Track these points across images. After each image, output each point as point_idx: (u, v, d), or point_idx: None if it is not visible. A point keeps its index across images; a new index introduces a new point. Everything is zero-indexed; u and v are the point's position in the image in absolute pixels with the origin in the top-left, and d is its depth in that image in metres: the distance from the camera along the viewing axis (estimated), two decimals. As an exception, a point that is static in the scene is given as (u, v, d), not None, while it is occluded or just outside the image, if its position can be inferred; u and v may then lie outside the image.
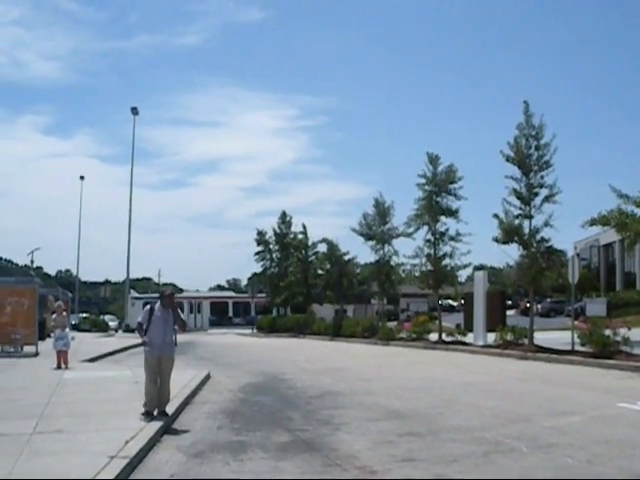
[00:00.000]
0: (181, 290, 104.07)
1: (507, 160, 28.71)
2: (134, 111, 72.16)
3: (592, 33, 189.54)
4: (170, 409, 13.76)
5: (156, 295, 14.82)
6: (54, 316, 25.16)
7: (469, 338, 33.94)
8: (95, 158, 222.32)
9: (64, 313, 25.22)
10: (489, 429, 11.72)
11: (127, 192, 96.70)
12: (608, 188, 21.87)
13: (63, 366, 23.46)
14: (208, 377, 21.44)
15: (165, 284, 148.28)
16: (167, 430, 12.37)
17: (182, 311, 13.54)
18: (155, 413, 13.10)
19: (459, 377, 21.07)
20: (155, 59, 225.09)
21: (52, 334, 25.46)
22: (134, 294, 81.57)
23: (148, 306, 13.77)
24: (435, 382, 19.83)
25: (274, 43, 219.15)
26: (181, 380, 18.78)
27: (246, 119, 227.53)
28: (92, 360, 29.31)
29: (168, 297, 13.84)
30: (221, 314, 69.62)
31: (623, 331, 23.41)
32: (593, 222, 22.79)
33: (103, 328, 71.59)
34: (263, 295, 67.54)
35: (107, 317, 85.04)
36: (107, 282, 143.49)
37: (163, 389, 13.49)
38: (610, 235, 50.48)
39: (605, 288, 77.47)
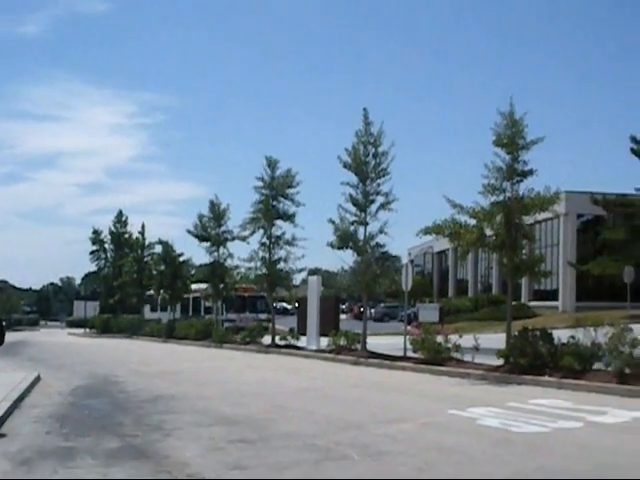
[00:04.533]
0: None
1: (344, 166, 29.03)
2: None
3: (426, 38, 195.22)
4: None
5: None
6: None
7: (302, 342, 34.32)
8: None
9: None
10: (321, 436, 11.89)
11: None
12: (442, 198, 22.50)
13: None
14: (38, 379, 21.06)
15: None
16: (-8, 436, 12.03)
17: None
18: None
19: (292, 382, 21.40)
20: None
21: None
22: None
23: None
24: (268, 387, 20.06)
25: (115, 36, 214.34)
26: (10, 382, 18.48)
27: (86, 114, 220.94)
28: None
29: None
30: None
31: (454, 338, 24.16)
32: (427, 231, 23.34)
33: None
34: None
35: None
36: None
37: None
38: (443, 243, 52.20)
39: (438, 294, 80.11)
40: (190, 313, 58.51)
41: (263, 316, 47.29)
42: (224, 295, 46.48)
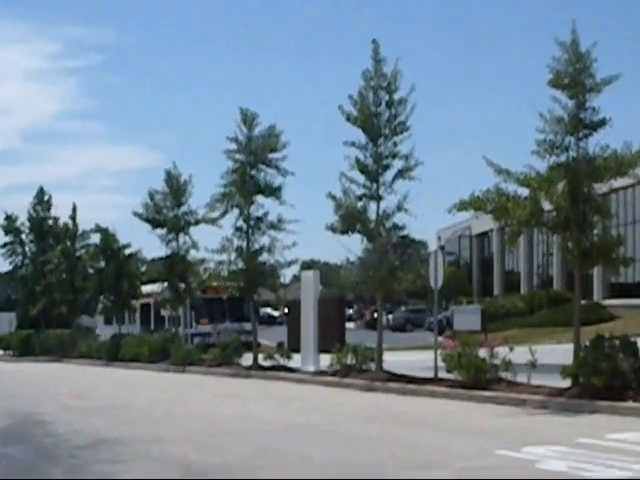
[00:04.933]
0: None
1: (348, 120, 28.90)
2: None
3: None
4: None
5: None
6: None
7: (295, 361, 34.32)
8: None
9: None
10: (324, 490, 11.95)
11: None
12: (483, 161, 22.38)
13: None
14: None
15: None
16: None
17: None
18: None
19: (282, 417, 21.46)
20: None
21: None
22: None
23: None
24: (249, 424, 20.09)
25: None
26: None
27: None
28: None
29: None
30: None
31: (503, 351, 24.13)
32: (463, 206, 23.19)
33: None
34: None
35: None
36: None
37: None
38: (485, 222, 52.30)
39: (479, 292, 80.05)
40: (152, 325, 58.49)
41: (249, 326, 45.83)
42: (188, 299, 46.45)
